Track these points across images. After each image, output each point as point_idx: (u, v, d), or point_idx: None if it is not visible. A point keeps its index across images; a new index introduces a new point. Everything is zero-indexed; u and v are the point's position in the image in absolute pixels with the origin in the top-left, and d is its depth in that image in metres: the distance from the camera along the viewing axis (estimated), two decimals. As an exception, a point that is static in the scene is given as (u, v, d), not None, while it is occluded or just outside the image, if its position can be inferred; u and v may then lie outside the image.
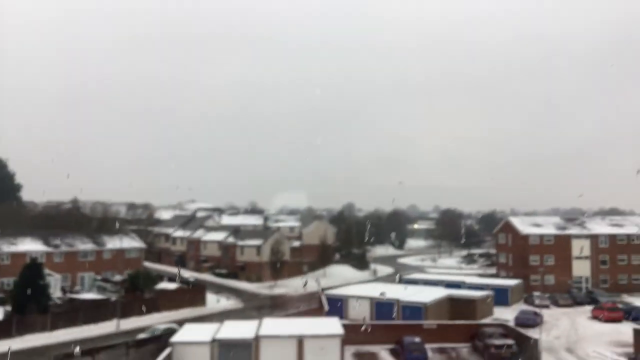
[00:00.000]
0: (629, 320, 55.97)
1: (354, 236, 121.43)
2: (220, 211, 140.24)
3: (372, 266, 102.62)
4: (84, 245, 73.98)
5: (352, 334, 44.03)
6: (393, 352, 44.07)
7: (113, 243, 76.13)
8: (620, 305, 61.51)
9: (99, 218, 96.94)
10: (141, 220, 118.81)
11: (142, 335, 46.07)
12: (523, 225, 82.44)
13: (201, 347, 37.98)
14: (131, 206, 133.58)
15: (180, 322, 46.61)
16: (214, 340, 38.37)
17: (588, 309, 63.12)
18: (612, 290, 76.28)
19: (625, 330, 50.23)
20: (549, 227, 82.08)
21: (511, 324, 51.48)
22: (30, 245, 69.45)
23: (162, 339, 41.27)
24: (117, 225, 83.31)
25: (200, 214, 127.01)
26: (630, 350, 43.33)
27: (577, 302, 67.64)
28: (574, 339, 50.03)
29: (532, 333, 44.83)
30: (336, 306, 57.24)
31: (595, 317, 58.88)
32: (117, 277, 71.78)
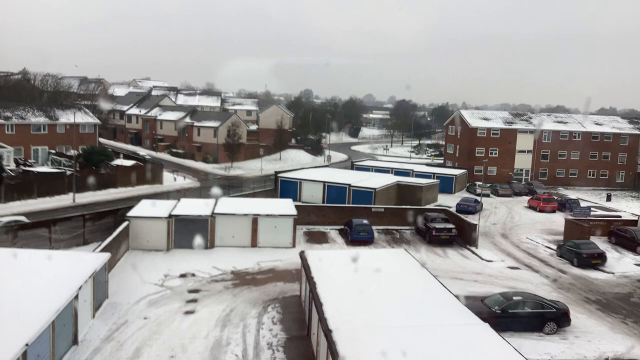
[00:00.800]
0: (562, 211, 60.25)
1: (310, 122, 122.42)
2: (176, 91, 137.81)
3: (327, 152, 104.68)
4: (36, 118, 72.42)
5: (304, 215, 46.58)
6: (342, 232, 46.73)
7: (66, 117, 74.67)
8: (555, 197, 65.70)
9: (51, 91, 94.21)
10: (94, 95, 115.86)
11: None
12: (472, 119, 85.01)
13: (158, 222, 39.40)
14: (84, 80, 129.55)
15: (138, 198, 47.58)
16: (170, 216, 39.82)
17: (526, 199, 67.17)
18: (549, 183, 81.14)
19: (558, 219, 54.35)
20: (497, 121, 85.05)
21: (453, 210, 54.72)
22: (-21, 116, 67.65)
23: (118, 213, 42.39)
24: (71, 99, 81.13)
25: (155, 93, 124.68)
26: (560, 237, 47.19)
27: (515, 193, 71.78)
28: (510, 225, 53.86)
29: (471, 219, 48.09)
30: (290, 188, 59.38)
31: (531, 207, 62.92)
32: (72, 152, 71.20)
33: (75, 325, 23.88)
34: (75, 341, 23.83)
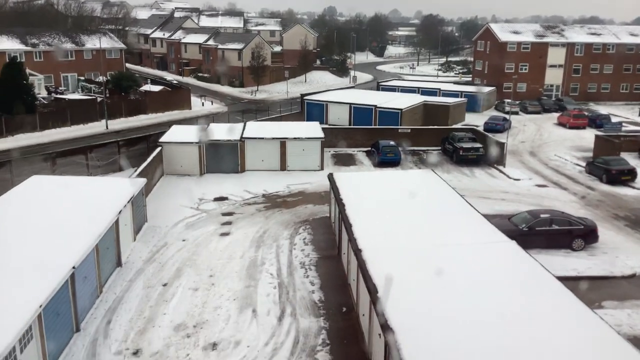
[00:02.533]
0: (592, 127, 59.31)
1: (335, 42, 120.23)
2: (198, 12, 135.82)
3: (352, 73, 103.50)
4: (63, 44, 72.45)
5: (331, 137, 46.97)
6: (369, 154, 47.12)
7: (92, 43, 74.62)
8: (586, 113, 64.42)
9: (74, 16, 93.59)
10: (118, 19, 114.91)
11: None
12: (502, 32, 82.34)
13: (190, 147, 40.23)
14: (106, 4, 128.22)
15: (168, 123, 48.24)
16: (201, 141, 40.53)
17: (555, 115, 66.04)
18: (580, 98, 79.30)
19: (587, 136, 53.51)
20: (527, 35, 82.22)
21: (481, 129, 54.32)
22: (7, 44, 67.86)
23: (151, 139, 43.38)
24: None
25: (178, 14, 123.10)
26: (590, 154, 46.73)
27: (545, 109, 70.58)
28: (538, 143, 53.51)
29: (499, 137, 47.90)
30: (317, 111, 59.48)
31: (560, 124, 61.95)
32: (100, 78, 71.73)
33: (118, 248, 24.95)
34: (119, 263, 25.04)
